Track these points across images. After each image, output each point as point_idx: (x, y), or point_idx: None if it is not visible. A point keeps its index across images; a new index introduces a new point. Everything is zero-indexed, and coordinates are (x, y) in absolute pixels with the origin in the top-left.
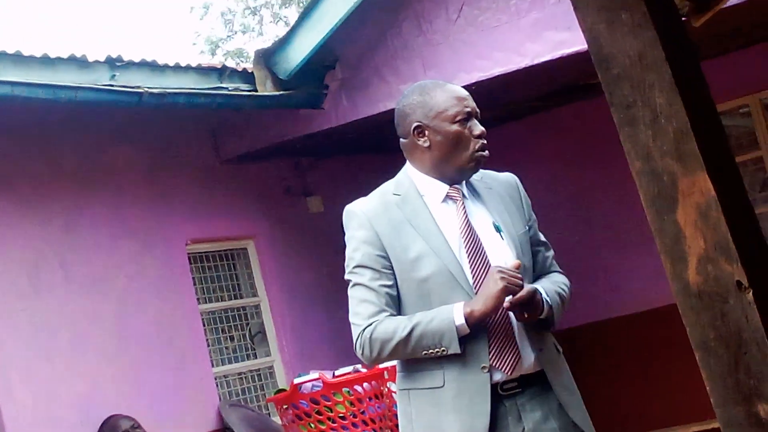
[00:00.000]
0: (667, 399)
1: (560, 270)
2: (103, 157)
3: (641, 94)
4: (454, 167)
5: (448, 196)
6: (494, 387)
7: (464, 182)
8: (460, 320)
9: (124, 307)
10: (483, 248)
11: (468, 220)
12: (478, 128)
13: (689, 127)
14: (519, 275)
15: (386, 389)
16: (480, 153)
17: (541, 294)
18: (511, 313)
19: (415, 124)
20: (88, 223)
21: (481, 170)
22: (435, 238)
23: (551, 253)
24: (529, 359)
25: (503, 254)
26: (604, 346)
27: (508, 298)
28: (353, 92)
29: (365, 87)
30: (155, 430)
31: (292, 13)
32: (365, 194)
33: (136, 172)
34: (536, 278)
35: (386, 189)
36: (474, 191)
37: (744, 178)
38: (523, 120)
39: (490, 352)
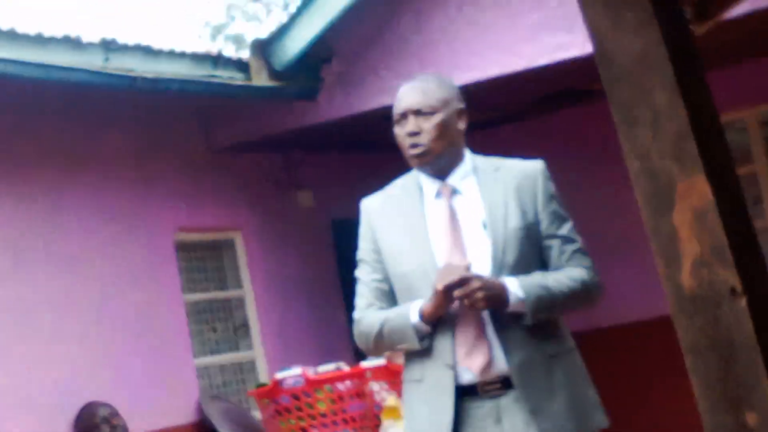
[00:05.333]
0: (652, 411)
1: (583, 264)
2: (93, 140)
3: (642, 94)
4: (411, 166)
5: (439, 192)
6: (472, 387)
7: (469, 174)
8: (415, 318)
9: (107, 293)
10: (463, 247)
11: (452, 217)
12: (408, 126)
13: (689, 128)
14: (459, 275)
15: (368, 388)
16: (410, 151)
17: (495, 284)
18: (485, 313)
19: None
20: (74, 204)
21: (501, 160)
22: (418, 235)
23: (572, 246)
24: (501, 361)
25: (483, 252)
26: (592, 355)
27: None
28: (348, 87)
29: (360, 82)
30: (133, 419)
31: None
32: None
33: (126, 156)
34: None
35: (396, 183)
36: (478, 183)
37: None
38: (517, 123)
39: (457, 351)
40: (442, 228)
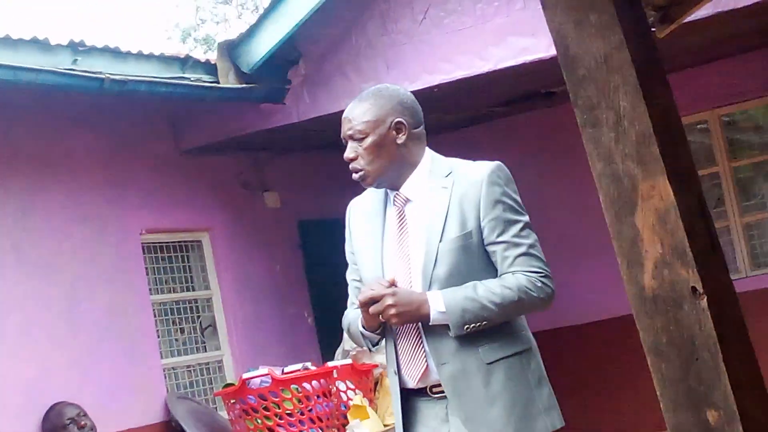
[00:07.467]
0: (618, 408)
1: (526, 270)
2: (62, 142)
3: (605, 96)
4: None
5: (394, 200)
6: (422, 388)
7: (423, 180)
8: (361, 326)
9: (76, 294)
10: (408, 256)
11: (401, 227)
12: (346, 152)
13: (652, 131)
14: (371, 292)
15: (335, 388)
16: (353, 175)
17: (413, 299)
18: (420, 324)
19: None
20: (43, 207)
21: (455, 163)
22: (375, 243)
23: (515, 251)
24: (435, 371)
25: (419, 263)
26: (556, 354)
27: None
28: (315, 89)
29: (327, 84)
30: (101, 419)
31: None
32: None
33: (94, 158)
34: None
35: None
36: (430, 190)
37: None
38: (483, 125)
39: (399, 359)
40: (392, 237)
